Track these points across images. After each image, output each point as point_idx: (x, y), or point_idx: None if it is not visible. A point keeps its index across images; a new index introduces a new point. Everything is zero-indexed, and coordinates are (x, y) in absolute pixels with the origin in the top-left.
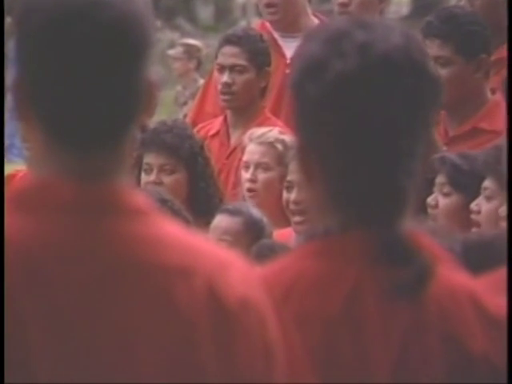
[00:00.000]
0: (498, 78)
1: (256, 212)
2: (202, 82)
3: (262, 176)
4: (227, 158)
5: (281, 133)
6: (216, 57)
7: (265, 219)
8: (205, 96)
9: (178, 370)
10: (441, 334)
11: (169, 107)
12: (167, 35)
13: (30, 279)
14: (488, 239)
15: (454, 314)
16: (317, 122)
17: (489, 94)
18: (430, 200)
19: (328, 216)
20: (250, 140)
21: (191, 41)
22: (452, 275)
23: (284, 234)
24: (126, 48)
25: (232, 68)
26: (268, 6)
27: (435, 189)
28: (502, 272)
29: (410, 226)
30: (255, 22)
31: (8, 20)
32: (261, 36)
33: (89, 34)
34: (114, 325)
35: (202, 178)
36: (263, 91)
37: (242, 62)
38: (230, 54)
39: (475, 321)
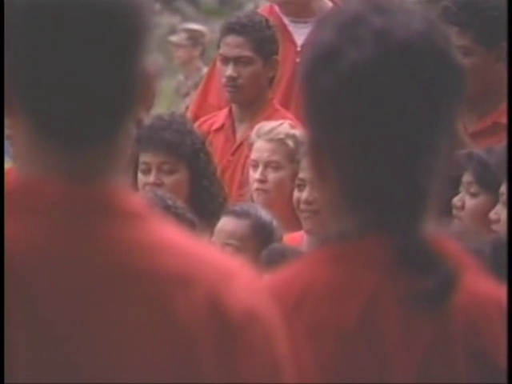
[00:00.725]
0: None
1: (265, 214)
2: (205, 70)
3: (272, 176)
4: (233, 154)
5: (291, 127)
6: (218, 46)
7: (275, 222)
8: (208, 86)
9: None
10: (467, 348)
11: (169, 98)
12: (167, 19)
13: (15, 290)
14: None
15: (482, 326)
16: (329, 116)
17: None
18: (456, 200)
19: (342, 218)
20: (258, 136)
21: (194, 26)
22: (480, 283)
23: (295, 238)
24: (121, 34)
25: (237, 60)
26: None
27: (461, 188)
28: None
29: (433, 229)
30: (263, 5)
31: None
32: (267, 22)
33: (79, 20)
34: (103, 338)
35: (204, 176)
36: (271, 81)
37: (247, 52)
38: (234, 45)
39: (505, 334)
